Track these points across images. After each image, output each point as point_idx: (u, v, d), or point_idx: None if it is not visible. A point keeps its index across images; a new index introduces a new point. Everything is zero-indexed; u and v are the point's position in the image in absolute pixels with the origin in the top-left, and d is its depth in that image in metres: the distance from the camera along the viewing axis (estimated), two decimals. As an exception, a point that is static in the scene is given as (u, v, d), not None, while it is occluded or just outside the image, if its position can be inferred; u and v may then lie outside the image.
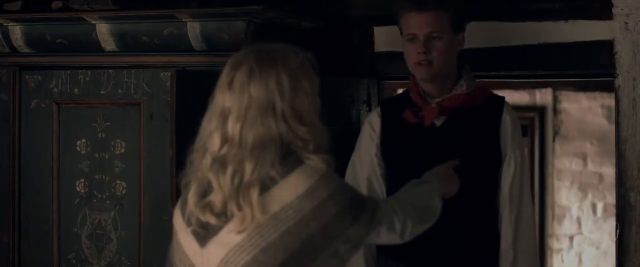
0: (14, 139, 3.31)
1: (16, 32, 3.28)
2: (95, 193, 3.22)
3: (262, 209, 2.04)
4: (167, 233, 2.96)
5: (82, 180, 3.24)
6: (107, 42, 3.21)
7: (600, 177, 6.68)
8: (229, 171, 2.05)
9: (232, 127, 2.07)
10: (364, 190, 2.99)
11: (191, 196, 2.12)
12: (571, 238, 6.77)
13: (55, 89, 3.26)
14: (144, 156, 3.15)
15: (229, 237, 2.07)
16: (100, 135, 3.22)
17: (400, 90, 7.03)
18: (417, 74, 2.96)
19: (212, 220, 2.09)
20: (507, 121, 2.93)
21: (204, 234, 2.12)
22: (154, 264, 3.12)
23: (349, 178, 3.04)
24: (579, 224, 6.76)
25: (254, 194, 2.04)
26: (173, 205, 2.84)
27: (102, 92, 3.21)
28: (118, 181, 3.20)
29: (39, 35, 3.27)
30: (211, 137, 2.10)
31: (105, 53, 3.24)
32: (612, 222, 5.99)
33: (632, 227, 3.12)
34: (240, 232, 2.05)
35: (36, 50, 3.32)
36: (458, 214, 2.82)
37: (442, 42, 2.88)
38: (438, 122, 2.93)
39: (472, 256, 2.86)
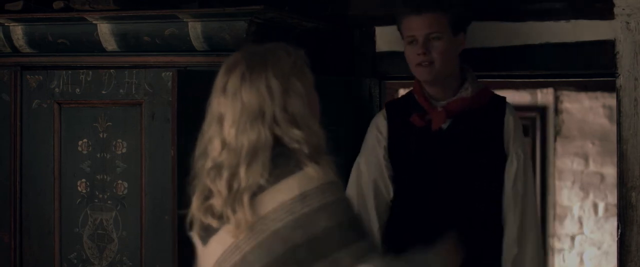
0: (15, 139, 3.31)
1: (17, 32, 3.28)
2: (97, 193, 3.22)
3: (255, 211, 2.03)
4: (168, 233, 2.97)
5: (84, 180, 3.24)
6: (109, 42, 3.21)
7: (602, 177, 6.68)
8: (225, 176, 2.06)
9: (228, 133, 2.08)
10: (369, 192, 3.00)
11: (195, 200, 2.15)
12: (572, 238, 6.77)
13: (56, 89, 3.26)
14: (145, 156, 3.15)
15: (225, 238, 2.08)
16: (101, 135, 3.22)
17: (401, 90, 7.04)
18: (419, 76, 2.97)
19: (214, 223, 2.10)
20: (510, 121, 2.97)
21: (205, 235, 2.13)
22: (156, 264, 3.12)
23: (353, 180, 3.04)
24: (581, 224, 6.76)
25: (246, 199, 2.03)
26: (174, 205, 2.85)
27: (103, 92, 3.21)
28: (119, 181, 3.20)
29: (41, 35, 3.27)
30: (212, 142, 2.12)
31: (107, 53, 3.24)
32: (613, 222, 6.00)
33: (634, 227, 3.12)
34: (235, 236, 2.06)
35: (37, 50, 3.32)
36: (464, 214, 2.83)
37: (442, 43, 2.90)
38: (444, 125, 2.95)
39: (477, 255, 2.88)
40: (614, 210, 5.26)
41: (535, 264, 2.95)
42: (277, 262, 2.00)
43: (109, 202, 3.21)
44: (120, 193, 3.19)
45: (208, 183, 2.09)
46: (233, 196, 2.05)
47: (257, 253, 2.02)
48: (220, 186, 2.06)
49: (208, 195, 2.12)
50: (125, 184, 3.19)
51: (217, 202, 2.08)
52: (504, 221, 2.95)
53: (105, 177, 3.21)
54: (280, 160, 2.05)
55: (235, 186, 2.04)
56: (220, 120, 2.10)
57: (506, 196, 2.94)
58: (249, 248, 2.04)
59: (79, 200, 3.25)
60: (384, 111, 3.08)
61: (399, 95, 6.85)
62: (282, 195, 2.02)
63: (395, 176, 3.00)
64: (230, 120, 2.08)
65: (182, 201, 2.83)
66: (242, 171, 2.04)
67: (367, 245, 2.03)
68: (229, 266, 2.06)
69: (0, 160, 3.33)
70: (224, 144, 2.08)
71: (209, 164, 2.10)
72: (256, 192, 2.04)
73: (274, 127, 2.06)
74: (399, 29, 3.00)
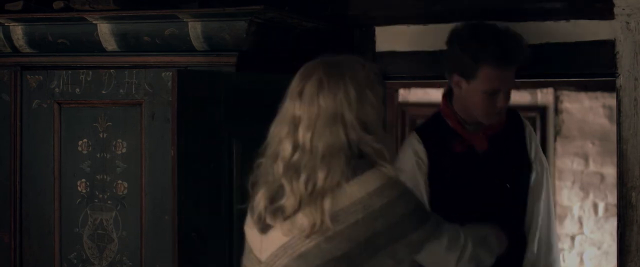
0: (15, 139, 3.31)
1: (18, 32, 3.28)
2: (97, 193, 3.22)
3: (330, 209, 2.14)
4: (168, 233, 2.97)
5: (84, 180, 3.24)
6: (109, 42, 3.21)
7: (602, 177, 6.68)
8: (303, 177, 2.15)
9: (303, 136, 2.17)
10: None
11: (260, 199, 2.22)
12: (573, 238, 6.76)
13: (56, 89, 3.26)
14: (145, 156, 3.15)
15: (294, 227, 2.16)
16: (101, 135, 3.22)
17: (402, 91, 7.04)
18: (487, 121, 3.01)
19: (279, 225, 2.19)
20: (531, 132, 3.15)
21: (265, 227, 2.22)
22: (156, 264, 3.13)
23: None
24: (581, 224, 6.76)
25: (326, 203, 2.14)
26: (174, 205, 2.85)
27: (103, 92, 3.21)
28: (119, 181, 3.20)
29: (41, 36, 3.27)
30: (282, 143, 2.20)
31: (107, 53, 3.24)
32: (613, 222, 5.99)
33: (634, 227, 3.12)
34: (307, 236, 2.14)
35: (38, 51, 3.32)
36: (506, 229, 2.85)
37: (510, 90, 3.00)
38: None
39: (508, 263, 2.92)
40: (614, 210, 5.26)
41: None
42: (356, 248, 2.14)
43: (109, 202, 3.21)
44: (120, 193, 3.19)
45: (283, 182, 2.17)
46: (310, 197, 2.14)
47: (335, 241, 2.14)
48: (297, 186, 2.15)
49: (276, 195, 2.19)
50: (125, 184, 3.19)
51: (289, 202, 2.16)
52: (527, 228, 3.08)
53: (105, 177, 3.21)
54: (354, 162, 2.17)
55: (313, 187, 2.14)
56: (294, 123, 2.19)
57: (533, 204, 3.07)
58: (325, 236, 2.14)
59: (79, 200, 3.25)
60: (417, 136, 3.08)
61: (398, 96, 6.86)
62: (359, 190, 2.15)
63: (434, 200, 3.02)
64: (306, 123, 2.18)
65: (183, 201, 2.85)
66: (320, 174, 2.14)
67: (435, 223, 2.27)
68: (303, 250, 2.16)
69: (0, 160, 3.33)
70: (297, 146, 2.18)
71: (280, 164, 2.19)
72: (335, 190, 2.14)
73: (349, 132, 2.18)
74: (466, 72, 2.95)
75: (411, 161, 3.04)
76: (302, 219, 2.14)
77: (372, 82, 2.24)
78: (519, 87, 6.61)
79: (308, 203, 2.14)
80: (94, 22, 3.18)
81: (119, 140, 3.20)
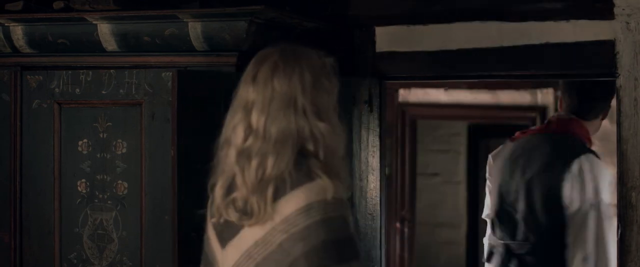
0: (15, 139, 3.31)
1: (18, 32, 3.28)
2: (97, 193, 3.22)
3: (274, 210, 2.06)
4: (168, 233, 2.97)
5: (84, 180, 3.24)
6: (109, 42, 3.21)
7: (602, 177, 6.66)
8: (254, 163, 2.08)
9: (257, 120, 2.10)
10: None
11: (218, 190, 2.16)
12: (572, 238, 6.75)
13: (56, 89, 3.26)
14: (145, 156, 3.15)
15: (241, 245, 2.10)
16: (101, 135, 3.22)
17: (402, 91, 7.02)
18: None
19: (235, 217, 2.11)
20: None
21: (226, 235, 2.15)
22: (156, 264, 3.13)
23: None
24: (581, 224, 6.75)
25: (270, 190, 2.05)
26: (174, 205, 2.85)
27: (103, 92, 3.21)
28: (119, 181, 3.20)
29: (41, 36, 3.27)
30: (235, 130, 2.13)
31: (107, 53, 3.24)
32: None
33: (634, 227, 3.13)
34: (251, 226, 2.07)
35: (38, 51, 3.32)
36: None
37: None
38: None
39: None
40: (614, 210, 5.25)
41: None
42: None
43: (109, 202, 3.21)
44: (120, 193, 3.19)
45: (235, 171, 2.10)
46: (258, 185, 2.06)
47: (266, 264, 2.06)
48: (248, 174, 2.08)
49: (231, 186, 2.13)
50: (125, 184, 3.19)
51: (239, 194, 2.09)
52: None
53: (105, 177, 3.21)
54: (297, 167, 2.08)
55: (262, 174, 2.06)
56: (248, 107, 2.12)
57: None
58: (261, 258, 2.07)
59: (79, 200, 3.25)
60: None
61: (398, 96, 6.86)
62: (290, 206, 2.05)
63: None
64: (260, 107, 2.10)
65: (183, 201, 2.85)
66: (270, 160, 2.06)
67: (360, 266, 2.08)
68: None
69: (0, 160, 3.33)
70: (250, 131, 2.10)
71: (232, 151, 2.12)
72: (276, 193, 2.06)
73: (299, 120, 2.09)
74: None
75: None
76: (251, 215, 2.07)
77: (327, 72, 2.17)
78: (518, 87, 6.62)
79: (258, 192, 2.05)
80: (94, 22, 3.18)
81: (119, 140, 3.20)
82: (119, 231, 3.20)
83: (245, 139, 2.10)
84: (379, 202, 3.47)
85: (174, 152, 2.88)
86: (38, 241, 3.29)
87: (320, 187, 2.05)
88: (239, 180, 2.10)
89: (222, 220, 2.16)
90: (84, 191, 3.24)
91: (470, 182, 9.14)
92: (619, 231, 3.15)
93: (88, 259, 3.24)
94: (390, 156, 6.62)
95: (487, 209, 3.69)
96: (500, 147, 3.72)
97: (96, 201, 3.23)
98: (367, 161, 3.44)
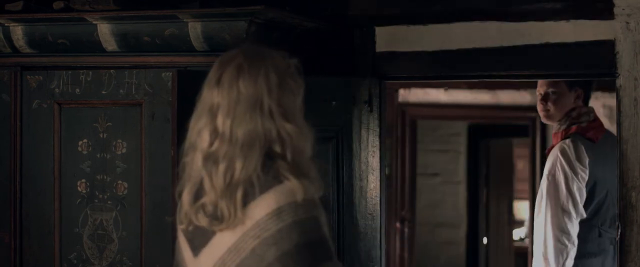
0: (15, 139, 3.31)
1: (18, 32, 3.28)
2: (97, 193, 3.22)
3: (244, 214, 2.03)
4: (168, 233, 2.97)
5: (84, 180, 3.24)
6: (109, 43, 3.21)
7: (602, 177, 6.66)
8: (222, 167, 2.05)
9: (223, 123, 2.07)
10: None
11: (185, 196, 2.13)
12: (572, 238, 6.75)
13: (56, 89, 3.26)
14: (145, 156, 3.15)
15: (214, 252, 2.08)
16: (101, 135, 3.22)
17: (402, 91, 7.01)
18: None
19: (205, 222, 2.09)
20: None
21: (198, 243, 2.12)
22: (156, 264, 3.12)
23: None
24: (581, 224, 6.75)
25: (239, 194, 2.03)
26: (174, 205, 2.85)
27: (103, 92, 3.21)
28: (119, 181, 3.20)
29: (41, 36, 3.27)
30: (201, 134, 2.10)
31: (107, 53, 3.24)
32: (613, 222, 5.98)
33: (634, 227, 3.13)
34: (222, 231, 2.05)
35: (38, 51, 3.32)
36: None
37: None
38: None
39: None
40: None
41: None
42: None
43: (109, 202, 3.21)
44: (120, 193, 3.19)
45: (203, 175, 2.07)
46: (227, 189, 2.04)
47: None
48: (216, 179, 2.05)
49: (199, 191, 2.10)
50: (125, 184, 3.19)
51: (208, 199, 2.06)
52: None
53: (105, 177, 3.21)
54: (265, 169, 2.05)
55: (230, 178, 2.04)
56: (213, 111, 2.09)
57: None
58: (234, 265, 2.05)
59: (79, 200, 3.25)
60: None
61: (398, 96, 6.85)
62: (260, 210, 2.03)
63: None
64: (226, 110, 2.07)
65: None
66: (237, 163, 2.03)
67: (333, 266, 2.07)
68: None
69: (0, 160, 3.33)
70: (216, 134, 2.07)
71: (199, 156, 2.09)
72: (245, 197, 2.04)
73: (265, 122, 2.06)
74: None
75: None
76: (221, 238, 2.05)
77: (293, 72, 2.13)
78: (518, 87, 6.62)
79: (226, 196, 2.03)
80: (94, 22, 3.18)
81: (119, 140, 3.20)
82: (119, 231, 3.20)
83: (212, 143, 2.07)
84: (379, 202, 3.47)
85: (174, 152, 2.88)
86: (38, 241, 3.29)
87: (289, 190, 2.03)
88: (207, 185, 2.07)
89: (191, 227, 2.13)
90: (84, 191, 3.24)
91: (470, 182, 9.15)
92: (619, 231, 3.16)
93: (88, 259, 3.24)
94: (390, 156, 6.63)
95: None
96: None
97: (96, 201, 3.23)
98: (367, 161, 3.44)
